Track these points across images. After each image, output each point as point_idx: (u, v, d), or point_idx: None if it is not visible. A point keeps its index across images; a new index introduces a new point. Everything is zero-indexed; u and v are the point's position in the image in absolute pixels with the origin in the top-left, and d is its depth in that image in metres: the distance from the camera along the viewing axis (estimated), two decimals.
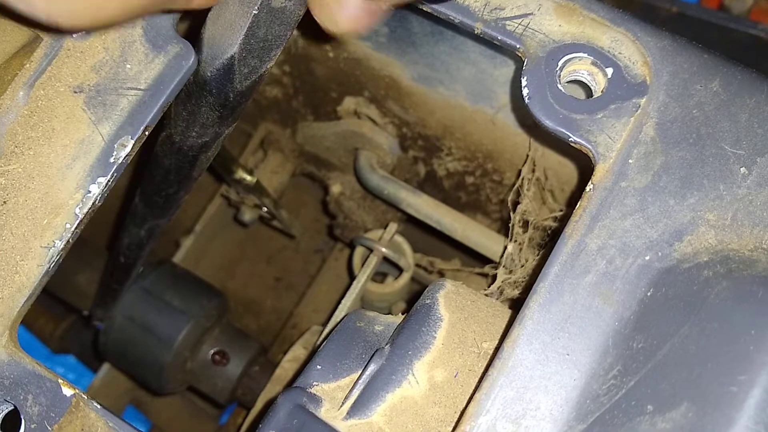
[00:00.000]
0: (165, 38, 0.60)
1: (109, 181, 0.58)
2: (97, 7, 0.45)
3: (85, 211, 0.58)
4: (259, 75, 0.56)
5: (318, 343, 0.97)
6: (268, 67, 0.55)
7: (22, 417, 0.54)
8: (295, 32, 0.93)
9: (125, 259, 0.86)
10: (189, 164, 0.62)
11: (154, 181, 0.65)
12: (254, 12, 0.51)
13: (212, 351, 1.14)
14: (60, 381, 0.55)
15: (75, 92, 0.59)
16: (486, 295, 0.74)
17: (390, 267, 1.12)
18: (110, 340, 1.11)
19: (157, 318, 1.09)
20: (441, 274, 1.17)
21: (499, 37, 0.58)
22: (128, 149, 0.58)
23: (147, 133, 0.59)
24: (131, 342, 1.09)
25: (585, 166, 0.63)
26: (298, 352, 1.06)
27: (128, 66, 0.60)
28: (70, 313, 1.45)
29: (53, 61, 0.60)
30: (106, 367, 1.31)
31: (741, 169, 0.52)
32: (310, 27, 0.53)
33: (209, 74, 0.55)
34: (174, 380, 1.13)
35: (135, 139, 0.59)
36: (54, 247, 0.57)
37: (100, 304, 1.12)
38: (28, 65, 0.60)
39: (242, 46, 0.53)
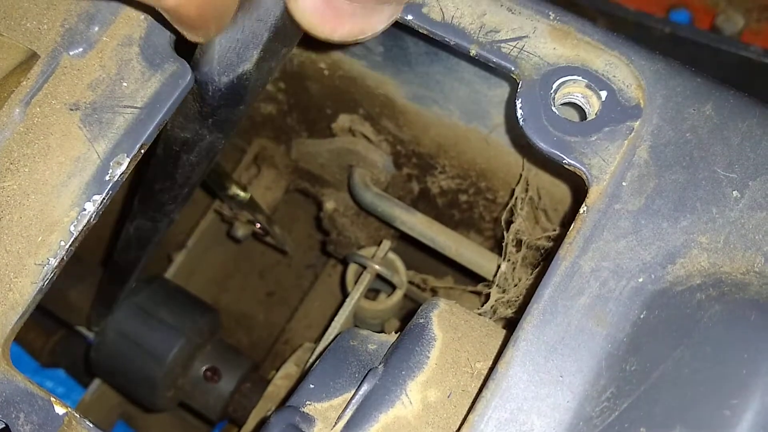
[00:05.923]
0: (162, 56, 0.60)
1: (104, 198, 0.58)
2: None
3: (80, 228, 0.58)
4: (237, 75, 0.55)
5: (311, 361, 0.97)
6: (246, 69, 0.55)
7: None
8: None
9: (118, 259, 0.88)
10: (172, 160, 0.64)
11: (147, 173, 0.68)
12: None
13: (204, 368, 1.14)
14: (52, 399, 0.55)
15: (71, 110, 0.59)
16: (479, 314, 0.75)
17: (383, 284, 1.12)
18: (102, 356, 1.11)
19: (149, 334, 1.08)
20: (434, 291, 1.17)
21: (494, 60, 0.58)
22: (124, 167, 0.58)
23: (143, 151, 0.59)
24: (123, 358, 1.09)
25: (578, 187, 0.63)
26: (290, 369, 1.06)
27: (125, 84, 0.60)
28: (60, 328, 1.44)
29: (50, 78, 0.60)
30: (96, 383, 1.31)
31: (733, 192, 0.53)
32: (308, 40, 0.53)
33: (197, 56, 0.56)
34: (166, 397, 1.12)
35: (131, 157, 0.59)
36: (48, 264, 0.57)
37: (94, 310, 1.12)
38: (24, 82, 0.60)
39: (225, 34, 0.53)
